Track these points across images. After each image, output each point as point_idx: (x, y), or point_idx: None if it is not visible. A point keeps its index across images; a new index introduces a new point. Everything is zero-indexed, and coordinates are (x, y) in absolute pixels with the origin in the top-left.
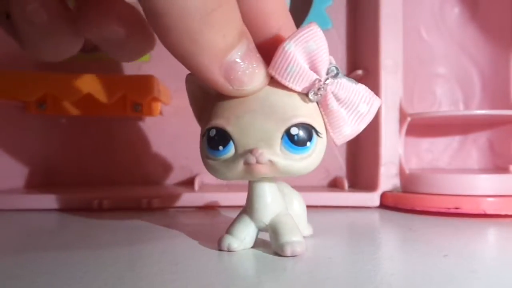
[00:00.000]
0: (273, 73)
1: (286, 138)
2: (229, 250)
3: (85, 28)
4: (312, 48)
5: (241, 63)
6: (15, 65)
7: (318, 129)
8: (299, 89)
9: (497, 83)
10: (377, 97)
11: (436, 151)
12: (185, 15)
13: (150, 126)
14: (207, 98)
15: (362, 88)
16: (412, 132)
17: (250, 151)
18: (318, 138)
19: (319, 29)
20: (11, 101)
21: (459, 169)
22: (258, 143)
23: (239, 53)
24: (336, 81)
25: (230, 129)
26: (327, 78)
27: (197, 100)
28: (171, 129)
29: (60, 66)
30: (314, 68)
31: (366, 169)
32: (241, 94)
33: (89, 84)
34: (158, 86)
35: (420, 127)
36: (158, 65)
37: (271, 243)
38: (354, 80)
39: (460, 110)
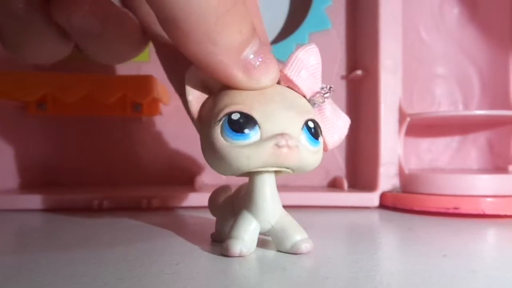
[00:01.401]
0: (288, 74)
1: (305, 129)
2: (240, 256)
3: (56, 13)
4: (312, 62)
5: (258, 56)
6: (15, 65)
7: (321, 129)
8: (306, 91)
9: (497, 83)
10: (347, 117)
11: (435, 151)
12: (203, 18)
13: (150, 126)
14: (210, 91)
15: (337, 108)
16: (411, 132)
17: (280, 134)
18: (322, 138)
19: (317, 49)
20: (11, 101)
21: (458, 169)
22: (283, 129)
23: (254, 48)
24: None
25: (255, 114)
26: (330, 87)
27: (196, 93)
28: (171, 129)
29: (60, 66)
30: (315, 78)
31: (365, 169)
32: (260, 87)
33: (89, 84)
34: (157, 86)
35: (419, 127)
36: (158, 65)
37: (276, 244)
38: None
39: (460, 111)
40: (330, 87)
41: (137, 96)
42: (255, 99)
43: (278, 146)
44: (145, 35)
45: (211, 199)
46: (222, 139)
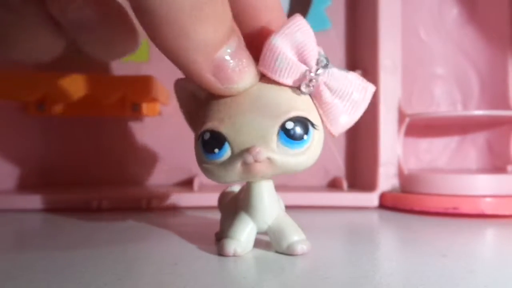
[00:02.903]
0: (262, 69)
1: (282, 133)
2: (234, 255)
3: (51, 4)
4: (299, 40)
5: (231, 61)
6: (15, 65)
7: (313, 121)
8: (290, 82)
9: (495, 83)
10: (370, 83)
11: (434, 152)
12: (176, 9)
13: (149, 126)
14: (198, 103)
15: (354, 77)
16: (410, 132)
17: (247, 150)
18: (315, 130)
19: (304, 20)
20: (11, 101)
21: (457, 170)
22: (254, 141)
23: (229, 51)
24: (327, 71)
25: (224, 130)
26: (318, 69)
27: (186, 106)
28: (170, 130)
29: (60, 66)
30: (303, 60)
31: (365, 170)
32: (231, 92)
33: (88, 84)
34: (157, 87)
35: (418, 127)
36: (157, 66)
37: (274, 244)
38: (345, 69)
39: (459, 111)
40: (326, 62)
41: (137, 97)
42: (225, 112)
43: (245, 163)
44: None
45: (220, 198)
46: (202, 159)
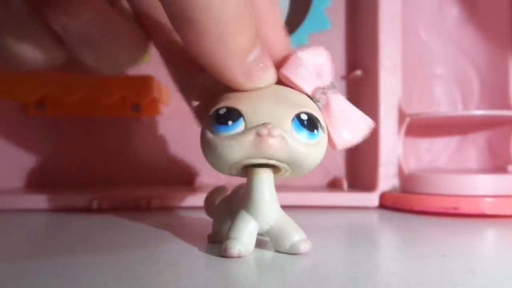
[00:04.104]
0: (285, 72)
1: (296, 120)
2: (239, 256)
3: (50, 17)
4: (319, 62)
5: (259, 61)
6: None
7: (322, 123)
8: (307, 88)
9: (496, 83)
10: (370, 119)
11: (435, 152)
12: (218, 20)
13: (150, 126)
14: (215, 96)
15: (356, 109)
16: (411, 132)
17: (262, 124)
18: (322, 133)
19: (326, 51)
20: (11, 101)
21: (458, 170)
22: (269, 121)
23: (256, 53)
24: (337, 95)
25: (241, 107)
26: (333, 85)
27: (203, 100)
28: (171, 129)
29: (59, 67)
30: (319, 76)
31: (365, 170)
32: (256, 88)
33: (88, 84)
34: (157, 87)
35: (419, 127)
36: (158, 65)
37: (274, 244)
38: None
39: (459, 111)
40: (333, 84)
41: (137, 96)
42: (245, 94)
43: (259, 135)
44: (148, 43)
45: (207, 200)
46: (210, 132)
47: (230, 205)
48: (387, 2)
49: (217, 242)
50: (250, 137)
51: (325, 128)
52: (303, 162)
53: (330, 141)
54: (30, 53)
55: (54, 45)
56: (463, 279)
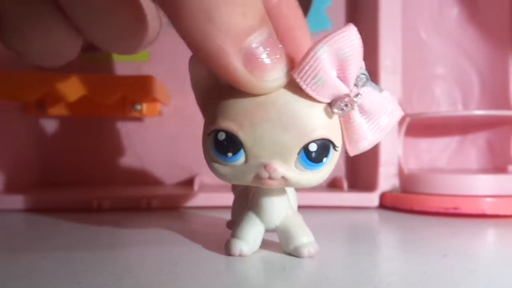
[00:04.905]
0: (298, 79)
1: (303, 154)
2: (240, 255)
3: None
4: (345, 55)
5: (262, 49)
6: (15, 65)
7: (336, 143)
8: (324, 100)
9: (496, 83)
10: (399, 107)
11: (435, 152)
12: None
13: (150, 126)
14: (216, 84)
15: (386, 98)
16: (411, 132)
17: (264, 166)
18: (334, 152)
19: (356, 32)
20: (11, 101)
21: (458, 170)
22: (272, 156)
23: (259, 38)
24: (364, 92)
25: (243, 136)
26: (357, 94)
27: (202, 85)
28: (170, 129)
29: (59, 67)
30: (342, 77)
31: (365, 170)
32: (262, 86)
33: (88, 84)
34: (157, 87)
35: (419, 127)
36: (157, 66)
37: (283, 244)
38: (379, 87)
39: (459, 111)
40: (366, 79)
41: (137, 96)
42: (246, 115)
43: (259, 177)
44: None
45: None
46: (212, 154)
47: (246, 197)
48: (387, 2)
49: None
50: (250, 175)
51: (340, 143)
52: (307, 185)
53: (345, 147)
54: (47, 37)
55: (67, 30)
56: (463, 279)
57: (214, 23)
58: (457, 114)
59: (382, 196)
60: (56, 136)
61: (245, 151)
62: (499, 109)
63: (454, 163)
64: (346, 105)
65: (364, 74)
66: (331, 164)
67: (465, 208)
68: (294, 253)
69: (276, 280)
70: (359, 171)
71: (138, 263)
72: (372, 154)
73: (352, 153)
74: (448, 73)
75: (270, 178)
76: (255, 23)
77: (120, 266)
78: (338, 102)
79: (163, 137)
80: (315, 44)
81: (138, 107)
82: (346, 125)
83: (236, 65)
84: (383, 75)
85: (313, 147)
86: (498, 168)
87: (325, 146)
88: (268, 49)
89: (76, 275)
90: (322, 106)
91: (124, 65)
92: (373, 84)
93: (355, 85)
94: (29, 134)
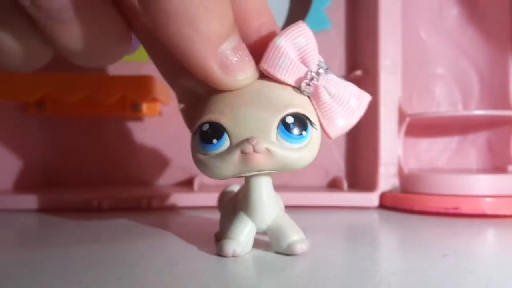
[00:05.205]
0: (265, 67)
1: (282, 127)
2: (233, 256)
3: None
4: (301, 43)
5: (235, 53)
6: None
7: (312, 120)
8: (291, 81)
9: (496, 83)
10: (366, 93)
11: (435, 151)
12: (187, 1)
13: (150, 126)
14: (198, 99)
15: (350, 85)
16: (411, 132)
17: (246, 140)
18: (313, 129)
19: (307, 26)
20: (11, 101)
21: (458, 169)
22: (253, 133)
23: (232, 44)
24: (326, 76)
25: (224, 121)
26: (318, 69)
27: (186, 103)
28: (170, 130)
29: (59, 66)
30: (304, 62)
31: (365, 170)
32: (235, 85)
33: (88, 84)
34: (157, 87)
35: (419, 127)
36: None
37: (273, 244)
38: (342, 78)
39: (459, 111)
40: (326, 67)
41: (137, 96)
42: (227, 104)
43: (244, 152)
44: (128, 32)
45: (220, 197)
46: (198, 150)
47: (234, 205)
48: (387, 2)
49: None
50: (236, 156)
51: (316, 122)
52: (296, 165)
53: (324, 131)
54: (10, 45)
55: (38, 39)
56: (463, 279)
57: (196, 30)
58: (457, 114)
59: (382, 196)
60: (56, 136)
61: (228, 135)
62: (499, 109)
63: (454, 163)
64: (311, 79)
65: (324, 64)
66: (314, 143)
67: (465, 208)
68: (287, 251)
69: (276, 280)
70: (359, 171)
71: (138, 263)
72: (372, 154)
73: (332, 134)
74: (448, 73)
75: (254, 150)
76: (229, 31)
77: (120, 266)
78: (303, 82)
79: (163, 137)
80: (275, 36)
81: (138, 107)
82: (319, 105)
83: (213, 67)
84: (383, 75)
85: (289, 120)
86: (498, 168)
87: (301, 119)
88: (240, 52)
89: (76, 275)
90: (291, 89)
91: (124, 65)
92: (335, 74)
93: (318, 70)
94: (29, 134)
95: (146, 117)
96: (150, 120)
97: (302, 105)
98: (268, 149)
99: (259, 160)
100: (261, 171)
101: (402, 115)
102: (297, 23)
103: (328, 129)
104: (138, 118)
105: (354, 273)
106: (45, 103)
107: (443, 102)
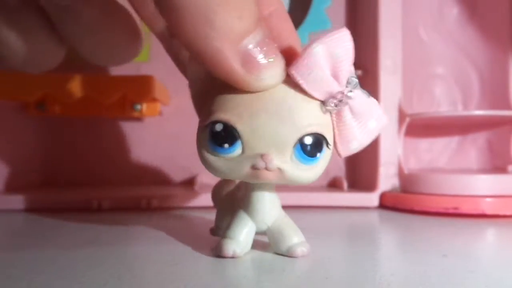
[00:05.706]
0: (294, 74)
1: (299, 146)
2: (233, 256)
3: None
4: (338, 56)
5: (259, 50)
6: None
7: (329, 140)
8: (318, 96)
9: (496, 83)
10: (385, 116)
11: (435, 151)
12: None
13: (150, 126)
14: (214, 83)
15: (374, 104)
16: (411, 132)
17: (261, 155)
18: (327, 149)
19: (349, 35)
20: (11, 101)
21: (458, 170)
22: (269, 147)
23: (255, 40)
24: (355, 94)
25: (240, 127)
26: (350, 91)
27: (200, 84)
28: (171, 129)
29: (59, 66)
30: (335, 76)
31: (365, 169)
32: (260, 85)
33: (88, 84)
34: (157, 87)
35: (419, 127)
36: (157, 65)
37: (273, 246)
38: (367, 93)
39: (459, 111)
40: (357, 82)
41: (137, 96)
42: (247, 108)
43: (255, 168)
44: (140, 32)
45: (214, 192)
46: (205, 146)
47: (233, 201)
48: (387, 2)
49: (217, 236)
50: (246, 168)
51: (331, 142)
52: (302, 181)
53: (336, 148)
54: (23, 46)
55: (49, 38)
56: (463, 279)
57: (212, 26)
58: (457, 114)
59: (382, 196)
60: (56, 136)
61: (242, 142)
62: (499, 109)
63: (454, 163)
64: (339, 101)
65: (355, 78)
66: (324, 161)
67: (465, 208)
68: (287, 253)
69: (276, 281)
70: (359, 171)
71: (138, 263)
72: (372, 154)
73: (343, 153)
74: (448, 73)
75: (266, 168)
76: (251, 25)
77: (120, 266)
78: (331, 99)
79: (163, 137)
80: (311, 42)
81: (138, 107)
82: (338, 124)
83: (235, 66)
84: (383, 75)
85: (308, 140)
86: (498, 168)
87: (319, 141)
88: (265, 49)
89: (76, 275)
90: (317, 103)
91: (124, 65)
92: (362, 89)
93: (347, 86)
94: (29, 134)
95: (146, 117)
96: (150, 120)
97: (323, 124)
98: (280, 169)
99: (269, 176)
100: (266, 182)
101: (402, 115)
102: (340, 30)
103: (340, 148)
104: (138, 118)
105: (354, 273)
106: (45, 103)
107: (443, 102)
